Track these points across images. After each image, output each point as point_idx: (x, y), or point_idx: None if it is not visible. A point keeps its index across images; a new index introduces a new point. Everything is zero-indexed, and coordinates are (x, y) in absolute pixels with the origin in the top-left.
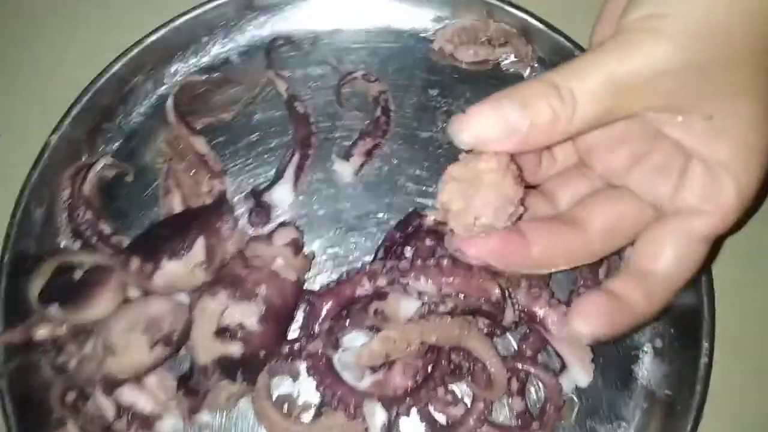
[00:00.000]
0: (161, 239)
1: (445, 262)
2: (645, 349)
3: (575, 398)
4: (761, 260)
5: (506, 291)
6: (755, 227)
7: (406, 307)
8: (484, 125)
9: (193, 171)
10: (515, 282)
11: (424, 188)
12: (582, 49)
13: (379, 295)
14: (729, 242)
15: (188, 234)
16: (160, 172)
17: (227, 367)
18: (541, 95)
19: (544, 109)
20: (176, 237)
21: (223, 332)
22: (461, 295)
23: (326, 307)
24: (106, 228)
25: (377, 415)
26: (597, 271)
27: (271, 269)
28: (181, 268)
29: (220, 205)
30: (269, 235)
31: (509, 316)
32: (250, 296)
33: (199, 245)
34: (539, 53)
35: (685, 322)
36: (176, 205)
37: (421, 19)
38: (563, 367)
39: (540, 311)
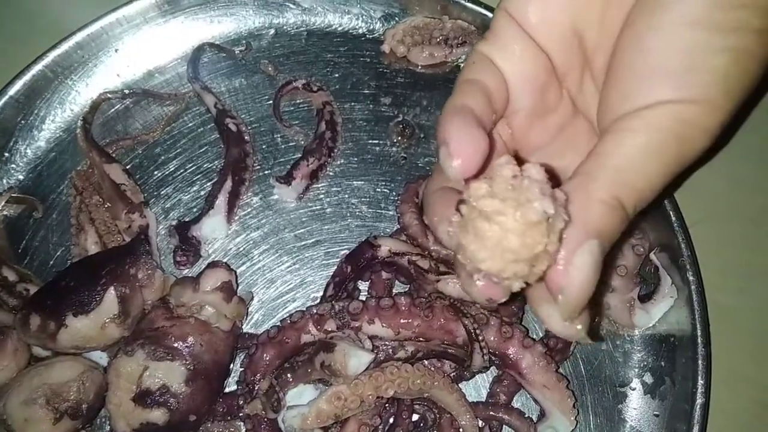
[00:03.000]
0: (66, 292)
1: (402, 300)
2: (633, 385)
3: None
4: (756, 285)
5: (473, 332)
6: (748, 248)
7: (357, 358)
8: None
9: (109, 204)
10: (483, 321)
11: (379, 211)
12: None
13: (326, 346)
14: (722, 266)
15: (97, 284)
16: (72, 207)
17: None
18: None
19: None
20: (84, 288)
21: (143, 397)
22: (422, 339)
23: (266, 358)
24: (10, 274)
25: None
26: None
27: (200, 319)
28: (90, 325)
29: (138, 245)
30: (196, 279)
31: (477, 361)
32: (175, 353)
33: (111, 297)
34: None
35: (678, 354)
36: (90, 245)
37: (369, 18)
38: (542, 414)
39: (512, 353)
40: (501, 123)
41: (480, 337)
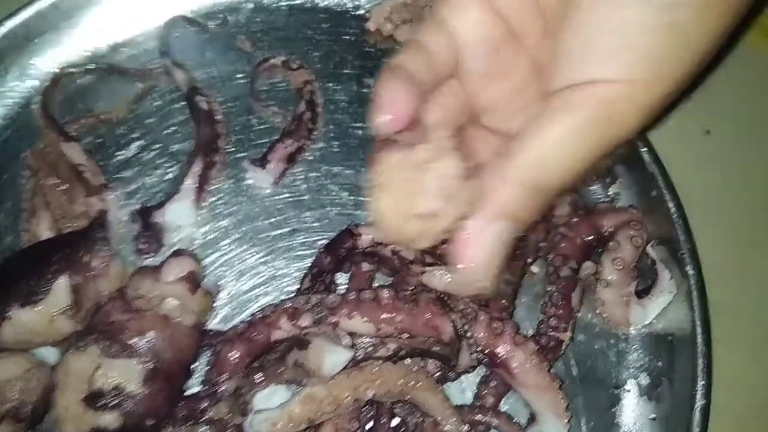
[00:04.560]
0: (11, 280)
1: (385, 293)
2: (628, 387)
3: None
4: (759, 281)
5: (461, 328)
6: (751, 242)
7: (334, 356)
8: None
9: (66, 187)
10: (471, 316)
11: (361, 198)
12: None
13: (300, 342)
14: (723, 261)
15: (47, 272)
16: (26, 189)
17: None
18: None
19: None
20: (31, 276)
21: (95, 398)
22: (405, 336)
23: (234, 356)
24: None
25: None
26: (569, 295)
27: (160, 313)
28: (37, 317)
29: (94, 230)
30: (157, 269)
31: (465, 359)
32: (131, 350)
33: (61, 286)
34: None
35: (676, 353)
36: (43, 231)
37: None
38: (532, 417)
39: (502, 351)
40: (455, 83)
41: (468, 334)
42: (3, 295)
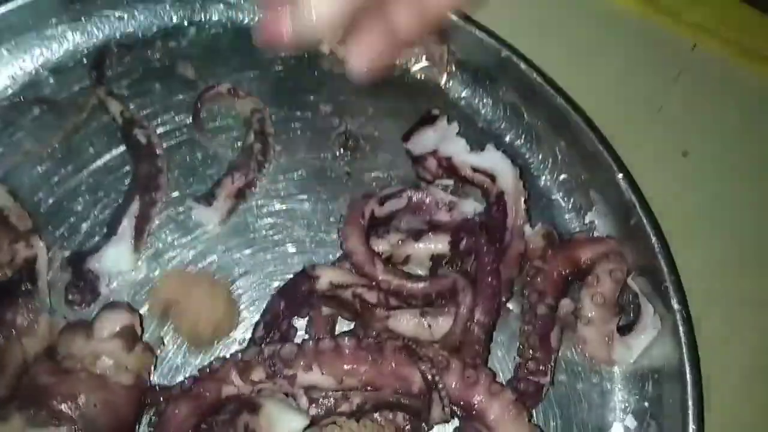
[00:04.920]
0: None
1: (346, 342)
2: (614, 430)
3: None
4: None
5: (431, 378)
6: (737, 272)
7: (287, 424)
8: None
9: None
10: (442, 364)
11: (319, 235)
12: (512, 49)
13: (250, 405)
14: (709, 292)
15: None
16: None
17: None
18: None
19: None
20: None
21: None
22: (371, 388)
23: (179, 417)
24: None
25: None
26: (548, 335)
27: (93, 372)
28: None
29: (16, 284)
30: (89, 324)
31: (437, 412)
32: (61, 416)
33: None
34: (458, 55)
35: (664, 392)
36: None
37: None
38: None
39: (477, 402)
40: None
41: (439, 385)
42: None
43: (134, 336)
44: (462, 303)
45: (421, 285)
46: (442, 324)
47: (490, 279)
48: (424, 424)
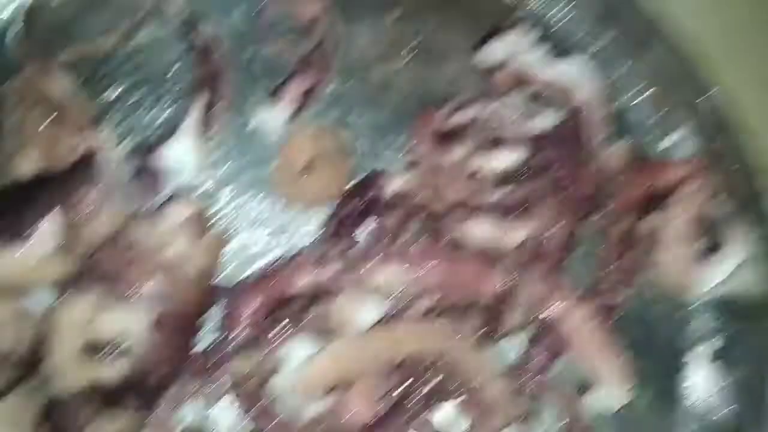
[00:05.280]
0: None
1: (420, 243)
2: (691, 354)
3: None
4: None
5: (509, 282)
6: None
7: (364, 312)
8: None
9: (52, 123)
10: (521, 270)
11: (384, 144)
12: None
13: (325, 294)
14: None
15: (33, 209)
16: (6, 127)
17: (106, 396)
18: None
19: None
20: (14, 214)
21: (95, 348)
22: (444, 291)
23: (250, 308)
24: None
25: None
26: (626, 255)
27: (163, 259)
28: (20, 260)
29: (84, 169)
30: (156, 213)
31: (514, 317)
32: (134, 296)
33: (50, 225)
34: None
35: (745, 319)
36: (26, 170)
37: None
38: (586, 385)
39: (555, 311)
40: None
41: (518, 290)
42: None
43: (201, 226)
44: (540, 214)
45: (495, 196)
46: (518, 233)
47: (568, 191)
48: (494, 332)
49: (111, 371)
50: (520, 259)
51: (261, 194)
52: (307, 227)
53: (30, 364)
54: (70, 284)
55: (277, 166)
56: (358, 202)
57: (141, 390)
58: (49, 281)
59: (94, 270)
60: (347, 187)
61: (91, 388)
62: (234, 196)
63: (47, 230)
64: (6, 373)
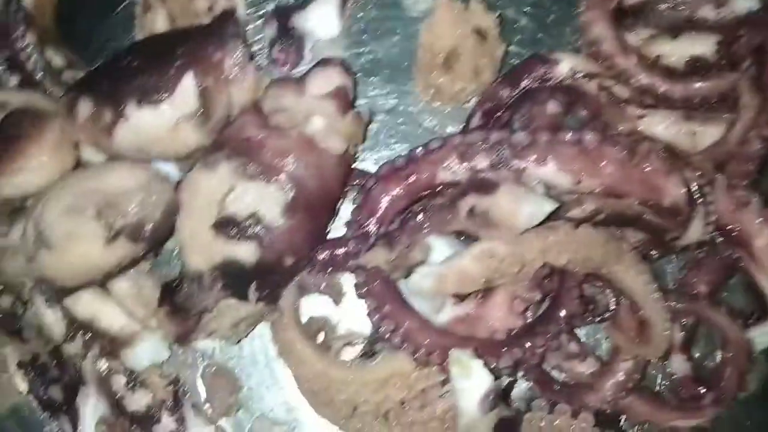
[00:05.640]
0: (129, 73)
1: (591, 136)
2: None
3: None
4: None
5: (697, 188)
6: None
7: (532, 207)
8: None
9: None
10: (708, 178)
11: (547, 21)
12: None
13: (483, 186)
14: None
15: (171, 65)
16: None
17: (234, 278)
18: None
19: None
20: (153, 70)
21: (227, 225)
22: (612, 194)
23: (389, 196)
24: (56, 59)
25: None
26: None
27: (304, 133)
28: (158, 120)
29: (226, 24)
30: (301, 80)
31: (696, 230)
32: (271, 172)
33: (188, 85)
34: None
35: None
36: (159, 27)
37: None
38: (762, 314)
39: (746, 226)
40: None
41: (706, 198)
42: (119, 89)
43: (348, 99)
44: (743, 109)
45: (689, 85)
46: (710, 132)
47: None
48: (663, 247)
49: (245, 250)
50: (705, 165)
51: (405, 72)
52: (449, 113)
53: (160, 235)
54: (205, 154)
55: (419, 55)
56: (511, 92)
57: (268, 276)
58: (185, 147)
59: (231, 141)
60: (498, 76)
61: (218, 268)
62: (378, 70)
63: (187, 90)
64: (132, 245)
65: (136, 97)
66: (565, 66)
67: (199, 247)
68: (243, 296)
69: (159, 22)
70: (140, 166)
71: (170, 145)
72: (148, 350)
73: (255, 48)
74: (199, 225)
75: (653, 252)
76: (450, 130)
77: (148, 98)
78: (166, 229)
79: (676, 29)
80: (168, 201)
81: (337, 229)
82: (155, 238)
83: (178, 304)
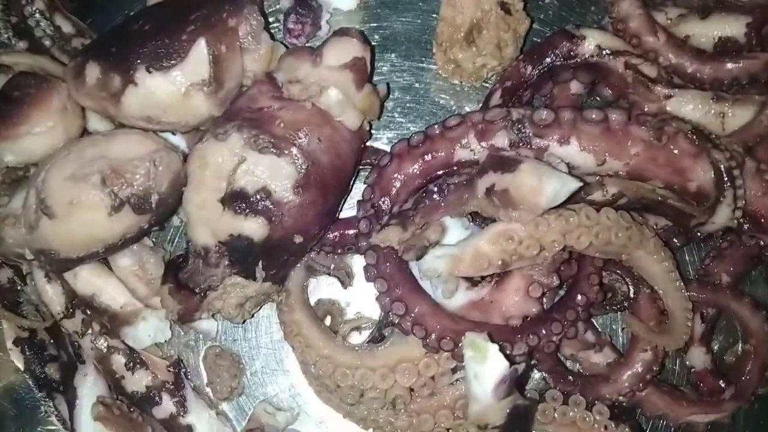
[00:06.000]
0: (139, 38)
1: (616, 116)
2: None
3: None
4: None
5: (727, 170)
6: None
7: (556, 185)
8: None
9: None
10: (738, 160)
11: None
12: None
13: (504, 163)
14: None
15: (183, 30)
16: None
17: (241, 255)
18: None
19: None
20: (163, 34)
21: (236, 199)
22: (636, 177)
23: (403, 174)
24: (65, 26)
25: (489, 353)
26: None
27: (319, 105)
28: (169, 87)
29: None
30: (317, 50)
31: (724, 215)
32: (283, 145)
33: (200, 51)
34: None
35: None
36: None
37: None
38: None
39: None
40: None
41: (735, 183)
42: (128, 54)
43: (365, 72)
44: (764, 96)
45: (719, 65)
46: (740, 114)
47: None
48: (686, 232)
49: (254, 226)
50: (735, 148)
51: (423, 46)
52: (470, 97)
53: (166, 208)
54: (216, 124)
55: (439, 30)
56: (534, 69)
57: (276, 253)
58: (196, 117)
59: (243, 112)
60: (521, 52)
61: (225, 244)
62: (396, 43)
63: (199, 55)
64: (138, 216)
65: (146, 62)
66: (592, 43)
67: (206, 222)
68: (250, 274)
69: None
70: (147, 134)
71: (180, 114)
72: (150, 329)
73: (271, 18)
74: (207, 198)
75: (676, 240)
76: (468, 109)
77: (159, 64)
78: (173, 202)
79: (706, 9)
80: (176, 172)
81: (348, 208)
82: (161, 211)
83: (183, 281)
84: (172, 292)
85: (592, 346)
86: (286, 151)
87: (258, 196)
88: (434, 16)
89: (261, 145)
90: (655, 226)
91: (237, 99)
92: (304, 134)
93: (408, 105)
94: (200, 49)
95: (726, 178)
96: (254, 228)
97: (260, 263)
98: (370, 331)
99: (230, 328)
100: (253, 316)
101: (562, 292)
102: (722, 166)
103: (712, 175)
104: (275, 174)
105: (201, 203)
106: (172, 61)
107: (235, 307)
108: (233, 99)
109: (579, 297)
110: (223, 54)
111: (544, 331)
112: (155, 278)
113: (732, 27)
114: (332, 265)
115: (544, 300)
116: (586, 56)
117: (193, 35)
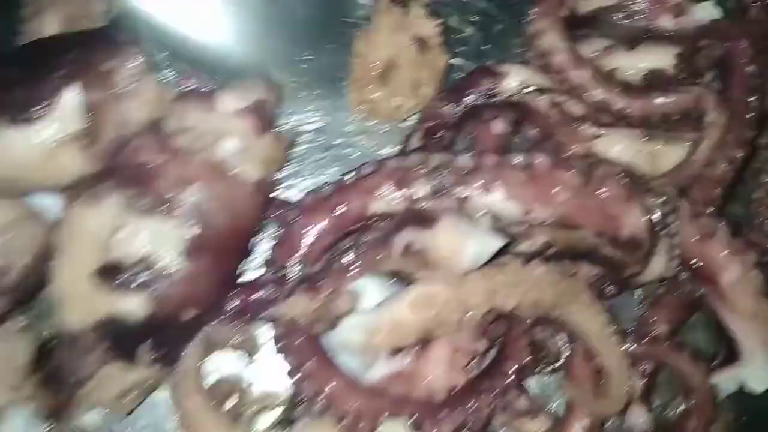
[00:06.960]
0: (1, 86)
1: (542, 160)
2: None
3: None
4: None
5: (660, 217)
6: None
7: (478, 244)
8: None
9: None
10: (671, 206)
11: (494, 31)
12: None
13: (420, 218)
14: None
15: (51, 77)
16: None
17: (121, 337)
18: None
19: None
20: (28, 81)
21: (113, 272)
22: (566, 225)
23: (313, 232)
24: None
25: None
26: None
27: (212, 157)
28: (32, 141)
29: (119, 29)
30: (211, 94)
31: (660, 265)
32: (168, 207)
33: (71, 100)
34: None
35: None
36: (50, 30)
37: None
38: (731, 354)
39: (714, 258)
40: None
41: (670, 228)
42: None
43: (267, 117)
44: (708, 127)
45: (649, 100)
46: (672, 153)
47: (747, 100)
48: (620, 282)
49: (131, 305)
50: (668, 190)
51: (335, 84)
52: (388, 139)
53: (30, 285)
54: (90, 183)
55: (353, 67)
56: (454, 108)
57: (164, 333)
58: (66, 176)
59: (122, 168)
60: (439, 91)
61: (103, 325)
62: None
63: (68, 107)
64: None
65: (8, 113)
66: (514, 80)
67: (78, 301)
68: (132, 358)
69: (48, 26)
70: (8, 199)
71: (47, 173)
72: (19, 428)
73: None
74: (78, 272)
75: (609, 289)
76: (387, 152)
77: (22, 115)
78: (38, 277)
79: (632, 40)
80: (41, 242)
81: (252, 270)
82: (24, 289)
83: (53, 370)
84: (42, 383)
85: (525, 413)
86: (173, 212)
87: (138, 268)
88: (350, 51)
89: (143, 206)
90: (587, 276)
91: (119, 152)
92: (195, 191)
93: (322, 149)
94: (71, 97)
95: (660, 226)
96: (135, 305)
97: (145, 344)
98: (279, 412)
99: (118, 417)
100: (141, 404)
101: (492, 352)
102: (655, 212)
103: (645, 222)
104: (160, 240)
105: (72, 278)
106: (38, 112)
107: (116, 399)
108: (112, 154)
109: (509, 361)
110: (99, 101)
111: (472, 404)
112: (23, 367)
113: (661, 58)
114: (235, 337)
115: (472, 367)
116: (509, 94)
117: (64, 80)
